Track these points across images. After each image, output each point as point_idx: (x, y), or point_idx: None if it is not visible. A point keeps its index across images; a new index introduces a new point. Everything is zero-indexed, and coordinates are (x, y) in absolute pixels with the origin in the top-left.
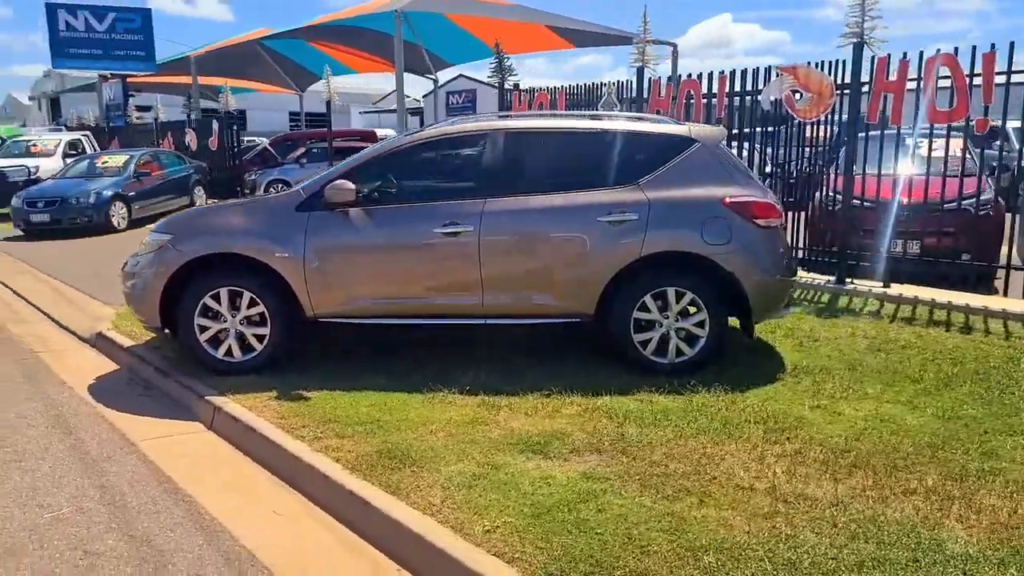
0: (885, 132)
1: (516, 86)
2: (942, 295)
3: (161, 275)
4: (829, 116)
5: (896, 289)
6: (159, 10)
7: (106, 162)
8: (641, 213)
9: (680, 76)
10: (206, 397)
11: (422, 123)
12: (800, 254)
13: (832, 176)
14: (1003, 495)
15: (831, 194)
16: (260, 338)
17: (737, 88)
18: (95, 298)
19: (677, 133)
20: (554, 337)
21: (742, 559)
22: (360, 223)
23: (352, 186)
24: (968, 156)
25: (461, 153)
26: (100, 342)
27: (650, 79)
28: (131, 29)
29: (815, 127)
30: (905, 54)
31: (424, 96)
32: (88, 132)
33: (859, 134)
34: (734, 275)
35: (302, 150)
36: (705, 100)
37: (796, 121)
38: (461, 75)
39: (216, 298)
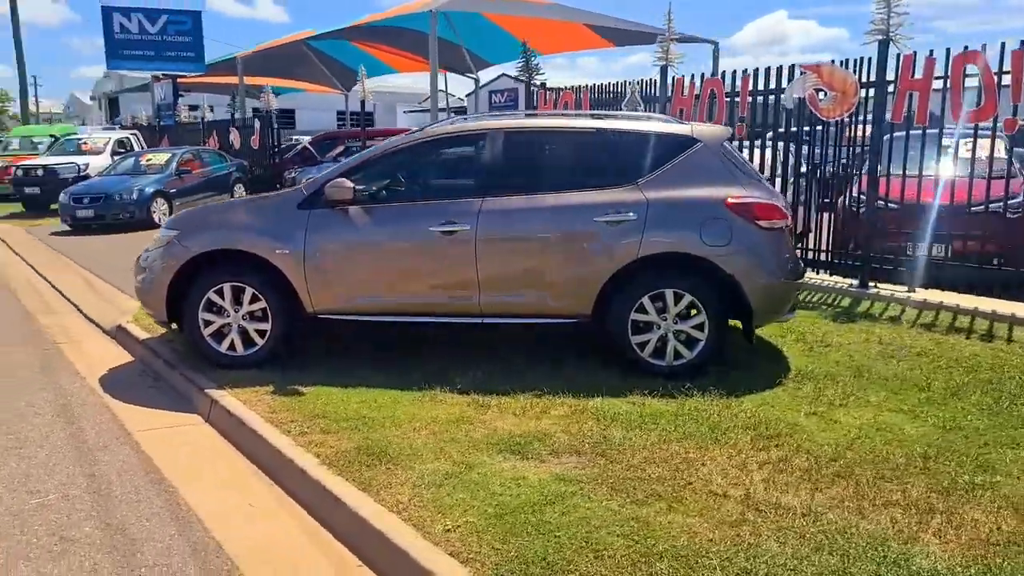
0: (911, 132)
1: (543, 85)
2: (967, 301)
3: (168, 270)
4: (860, 116)
5: (920, 294)
6: (218, 12)
7: (150, 160)
8: (639, 213)
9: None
10: (205, 390)
11: None
12: (823, 256)
13: (860, 177)
14: (989, 510)
15: (857, 195)
16: (262, 333)
17: (760, 87)
18: (123, 291)
19: (678, 133)
20: (557, 337)
21: (696, 567)
22: (359, 221)
23: (350, 184)
24: (1001, 157)
25: (460, 152)
26: (119, 334)
27: (673, 78)
28: (182, 31)
29: (852, 127)
30: (931, 51)
31: (467, 95)
32: (136, 131)
33: (884, 134)
34: (734, 277)
35: (341, 148)
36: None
37: (833, 120)
38: (503, 74)
39: (220, 293)
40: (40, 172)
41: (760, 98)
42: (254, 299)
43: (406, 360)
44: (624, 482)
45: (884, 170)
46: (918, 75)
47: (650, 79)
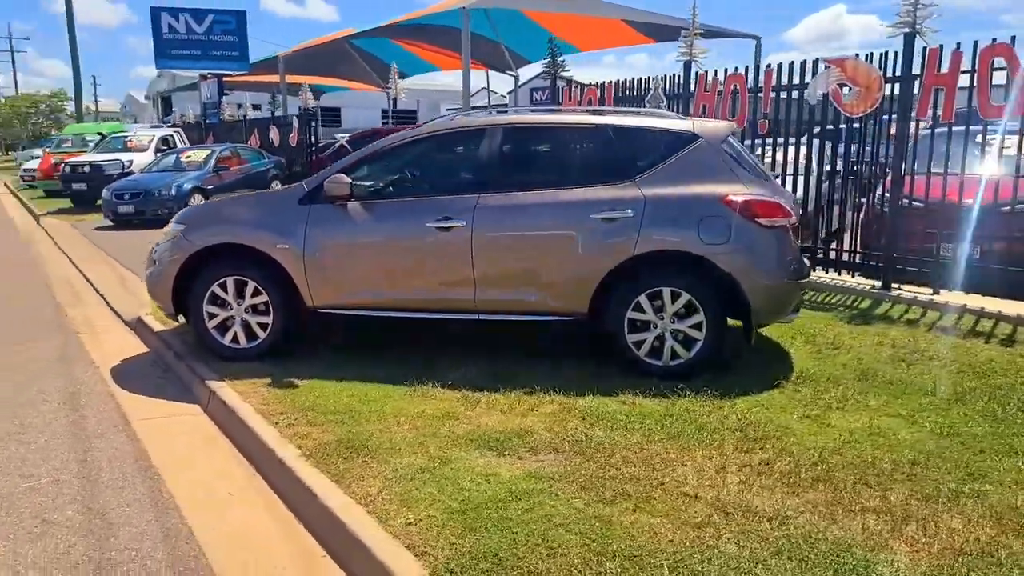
0: (936, 129)
1: (568, 81)
2: (993, 304)
3: (174, 263)
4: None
5: (944, 297)
6: (270, 11)
7: (189, 157)
8: (636, 210)
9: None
10: (206, 381)
11: None
12: (845, 257)
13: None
14: (970, 519)
15: (882, 194)
16: (264, 326)
17: (784, 82)
18: None
19: (678, 129)
20: (557, 335)
21: (647, 567)
22: (358, 217)
23: (348, 180)
24: None
25: (459, 149)
26: (138, 326)
27: (696, 73)
28: (227, 30)
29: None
30: (958, 45)
31: (508, 92)
32: (179, 128)
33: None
34: (733, 276)
35: None
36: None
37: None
38: (545, 71)
39: (223, 287)
40: (87, 169)
41: (786, 93)
42: (256, 293)
43: (405, 355)
44: (596, 481)
45: (912, 168)
46: (944, 69)
47: (674, 75)
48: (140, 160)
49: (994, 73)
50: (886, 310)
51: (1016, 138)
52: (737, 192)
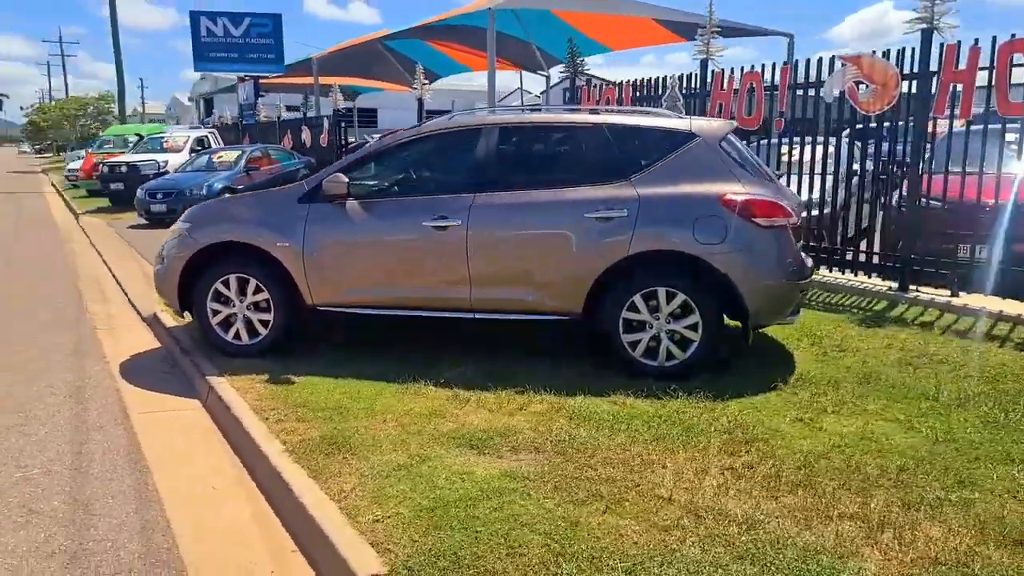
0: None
1: (588, 81)
2: (1013, 307)
3: (179, 260)
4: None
5: (963, 299)
6: (312, 14)
7: (221, 157)
8: (630, 210)
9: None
10: (207, 376)
11: None
12: (862, 258)
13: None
14: (951, 528)
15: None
16: (265, 323)
17: (800, 79)
18: None
19: (675, 127)
20: (557, 335)
21: (604, 569)
22: (356, 215)
23: (345, 179)
24: None
25: (455, 148)
26: (153, 322)
27: (713, 71)
28: (263, 33)
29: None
30: (976, 40)
31: (541, 93)
32: (215, 129)
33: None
34: (729, 277)
35: None
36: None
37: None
38: (581, 72)
39: (226, 284)
40: (124, 168)
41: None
42: (258, 290)
43: (405, 353)
44: (571, 481)
45: (930, 167)
46: (962, 66)
47: (692, 73)
48: (175, 160)
49: (1013, 70)
50: (900, 312)
51: None
52: (734, 192)
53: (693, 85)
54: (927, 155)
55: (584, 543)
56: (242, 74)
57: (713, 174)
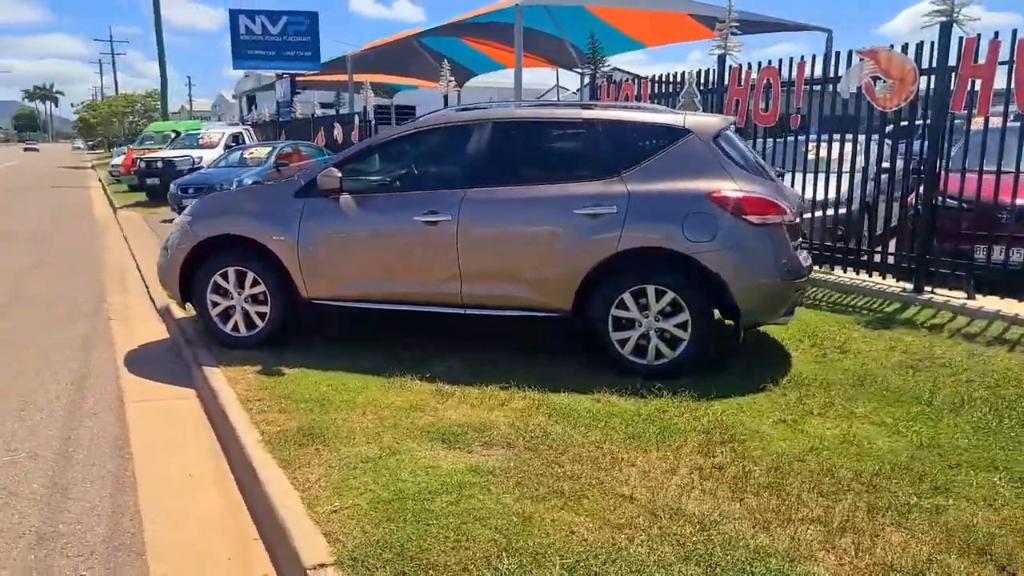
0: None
1: (608, 77)
2: None
3: (180, 252)
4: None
5: (979, 302)
6: (357, 12)
7: (253, 153)
8: (620, 206)
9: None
10: (202, 367)
11: None
12: (877, 258)
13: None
14: (915, 535)
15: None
16: (262, 316)
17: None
18: None
19: (668, 123)
20: (554, 332)
21: (545, 566)
22: (349, 210)
23: (338, 174)
24: None
25: (448, 143)
26: (165, 314)
27: (730, 67)
28: (300, 31)
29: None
30: (996, 34)
31: (577, 90)
32: (249, 126)
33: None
34: (719, 275)
35: None
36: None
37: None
38: (615, 68)
39: (225, 277)
40: (159, 164)
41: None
42: (255, 283)
43: (399, 347)
44: (534, 477)
45: (947, 165)
46: (981, 60)
47: (710, 69)
48: (209, 156)
49: None
50: (912, 314)
51: None
52: (726, 188)
53: (712, 81)
54: (947, 153)
55: (532, 539)
56: (279, 71)
57: (706, 171)
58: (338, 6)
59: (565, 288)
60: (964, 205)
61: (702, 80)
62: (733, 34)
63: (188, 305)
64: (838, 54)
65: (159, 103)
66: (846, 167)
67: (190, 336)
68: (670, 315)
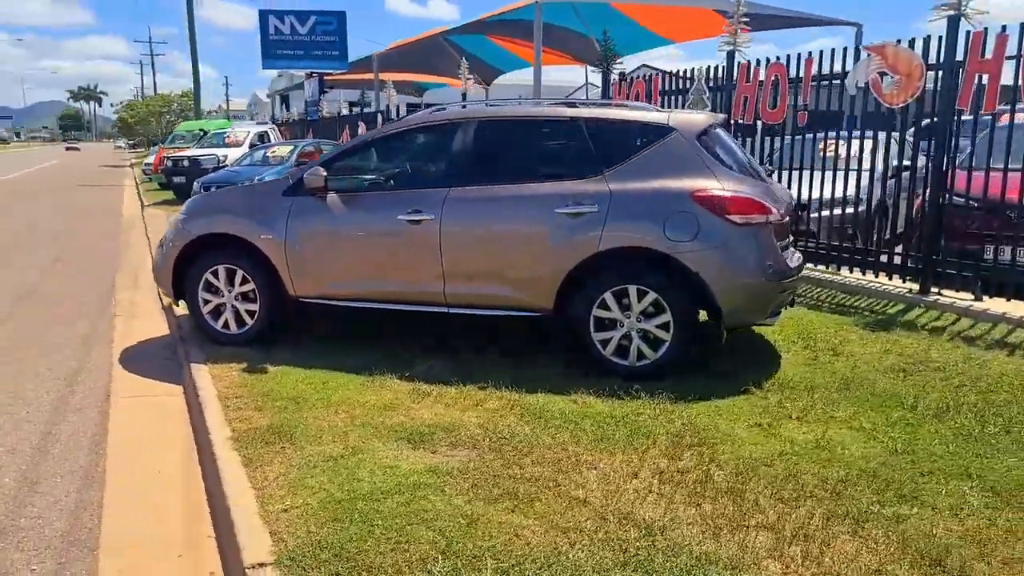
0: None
1: (621, 75)
2: None
3: (174, 250)
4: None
5: (986, 304)
6: (393, 11)
7: (275, 152)
8: (601, 205)
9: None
10: (190, 364)
11: None
12: (883, 259)
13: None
14: (868, 544)
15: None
16: (251, 313)
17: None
18: None
19: (652, 121)
20: (545, 331)
21: (479, 568)
22: (336, 209)
23: (323, 172)
24: None
25: (433, 142)
26: (168, 311)
27: (739, 63)
28: (328, 31)
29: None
30: (1004, 27)
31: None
32: (275, 125)
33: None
34: (700, 275)
35: None
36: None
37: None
38: (643, 65)
39: (215, 275)
40: (185, 163)
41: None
42: (244, 281)
43: (385, 346)
44: (492, 479)
45: (953, 162)
46: (988, 55)
47: (719, 66)
48: (234, 155)
49: None
50: (915, 316)
51: None
52: (709, 187)
53: (721, 77)
54: (954, 150)
55: (474, 541)
56: (308, 70)
57: (689, 169)
58: (374, 5)
59: (547, 288)
60: (971, 203)
61: (710, 76)
62: (753, 28)
63: (182, 303)
64: (845, 50)
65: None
66: (854, 165)
67: (185, 333)
68: (652, 316)
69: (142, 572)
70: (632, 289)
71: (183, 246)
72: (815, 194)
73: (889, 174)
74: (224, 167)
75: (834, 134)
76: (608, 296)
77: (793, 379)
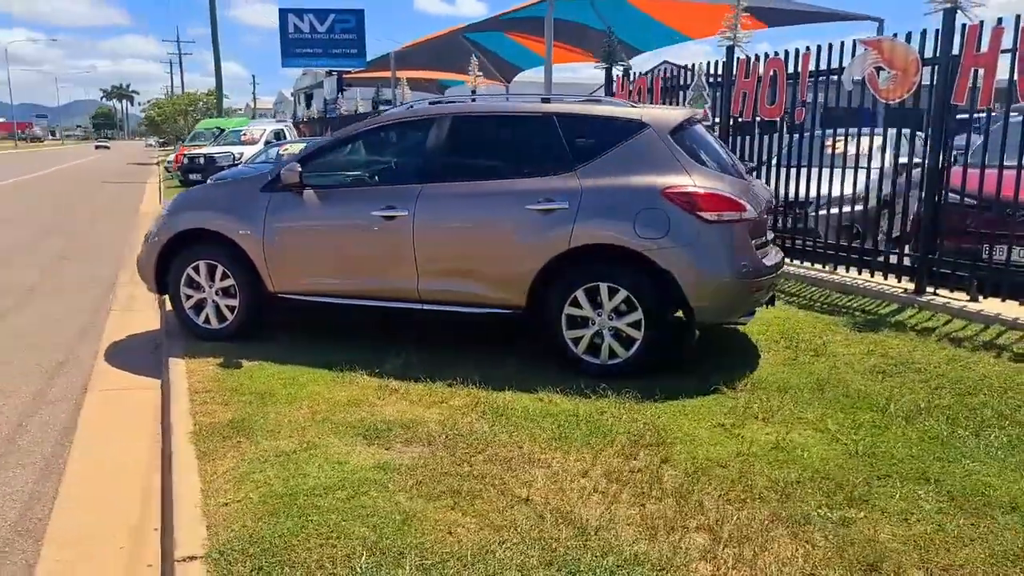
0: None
1: (626, 72)
2: None
3: (156, 245)
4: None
5: (980, 304)
6: (422, 11)
7: (287, 149)
8: (572, 202)
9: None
10: (169, 358)
11: None
12: (880, 258)
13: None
14: (806, 548)
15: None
16: (232, 309)
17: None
18: None
19: (625, 116)
20: (518, 328)
21: (402, 566)
22: (311, 205)
23: (298, 168)
24: None
25: (407, 138)
26: (163, 305)
27: (738, 59)
28: (346, 29)
29: None
30: (1000, 20)
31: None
32: (291, 123)
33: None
34: (671, 273)
35: None
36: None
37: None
38: (665, 62)
39: (197, 270)
40: (201, 160)
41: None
42: (224, 276)
43: (365, 341)
44: (438, 476)
45: (949, 159)
46: (983, 49)
47: (719, 61)
48: (249, 152)
49: None
50: (907, 316)
51: None
52: (680, 184)
53: (722, 73)
54: (950, 147)
55: (404, 538)
56: (327, 69)
57: (661, 166)
58: (403, 4)
59: (518, 285)
60: (966, 200)
61: (710, 72)
62: (772, 24)
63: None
64: (843, 44)
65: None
66: (859, 163)
67: (173, 328)
68: (624, 314)
69: (82, 563)
70: (603, 287)
71: (166, 241)
72: (815, 191)
73: (898, 171)
74: (238, 164)
75: (838, 132)
76: (580, 294)
77: (768, 379)
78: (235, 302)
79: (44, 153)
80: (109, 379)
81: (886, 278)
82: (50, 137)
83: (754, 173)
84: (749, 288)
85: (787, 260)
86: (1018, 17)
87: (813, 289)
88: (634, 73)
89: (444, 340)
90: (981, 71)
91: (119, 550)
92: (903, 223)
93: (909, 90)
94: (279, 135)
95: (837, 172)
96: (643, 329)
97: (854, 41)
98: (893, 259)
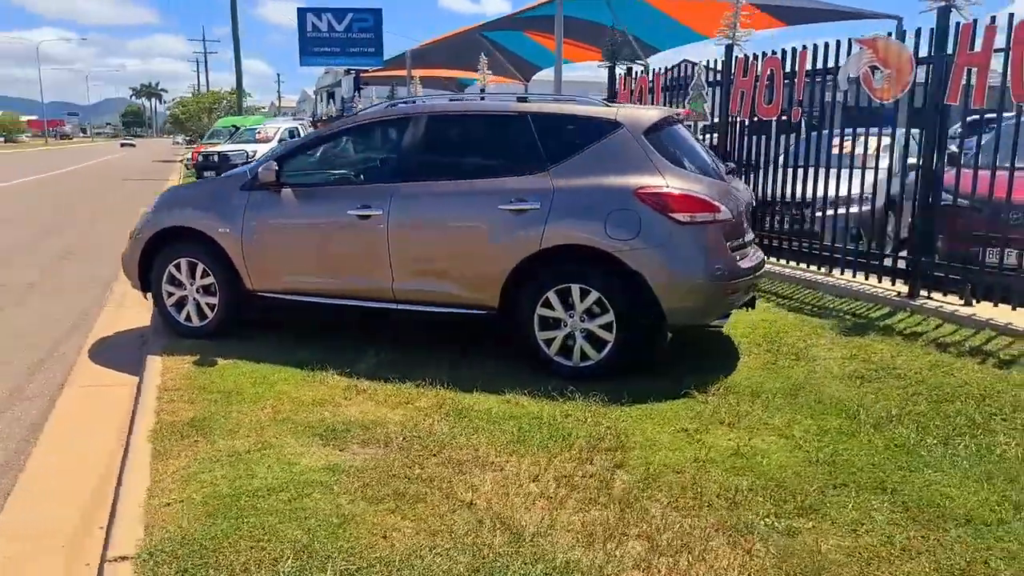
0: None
1: (629, 70)
2: None
3: (140, 242)
4: None
5: (973, 309)
6: (449, 9)
7: None
8: (544, 202)
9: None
10: (147, 356)
11: None
12: (876, 262)
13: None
14: (744, 558)
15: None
16: (212, 307)
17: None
18: None
19: (600, 116)
20: (495, 329)
21: (326, 570)
22: (288, 203)
23: (275, 167)
24: None
25: (384, 137)
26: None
27: (736, 57)
28: (364, 28)
29: None
30: (993, 18)
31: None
32: (306, 121)
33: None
34: (641, 274)
35: None
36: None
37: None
38: (685, 60)
39: (178, 267)
40: (215, 158)
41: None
42: (205, 274)
43: (344, 341)
44: (385, 478)
45: (943, 161)
46: (977, 47)
47: (719, 61)
48: (262, 150)
49: None
50: (896, 321)
51: None
52: (652, 185)
53: (718, 72)
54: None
55: (336, 542)
56: (345, 67)
57: (634, 166)
58: (429, 3)
59: (490, 285)
60: (959, 203)
61: (709, 72)
62: (790, 23)
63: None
64: (838, 43)
65: (244, 99)
66: (866, 164)
67: (159, 325)
68: (596, 315)
69: (22, 560)
70: (575, 288)
71: (149, 238)
72: (815, 193)
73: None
74: (251, 162)
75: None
76: (552, 295)
77: (741, 383)
78: (215, 300)
79: (72, 151)
80: (89, 375)
81: (880, 281)
82: (80, 135)
83: (733, 174)
84: (723, 290)
85: (785, 262)
86: (1011, 16)
87: (806, 292)
88: (636, 72)
89: (419, 340)
90: (975, 70)
91: (60, 548)
92: (910, 225)
93: (903, 89)
94: (293, 133)
95: (839, 172)
96: (615, 331)
97: (849, 40)
98: (887, 262)
